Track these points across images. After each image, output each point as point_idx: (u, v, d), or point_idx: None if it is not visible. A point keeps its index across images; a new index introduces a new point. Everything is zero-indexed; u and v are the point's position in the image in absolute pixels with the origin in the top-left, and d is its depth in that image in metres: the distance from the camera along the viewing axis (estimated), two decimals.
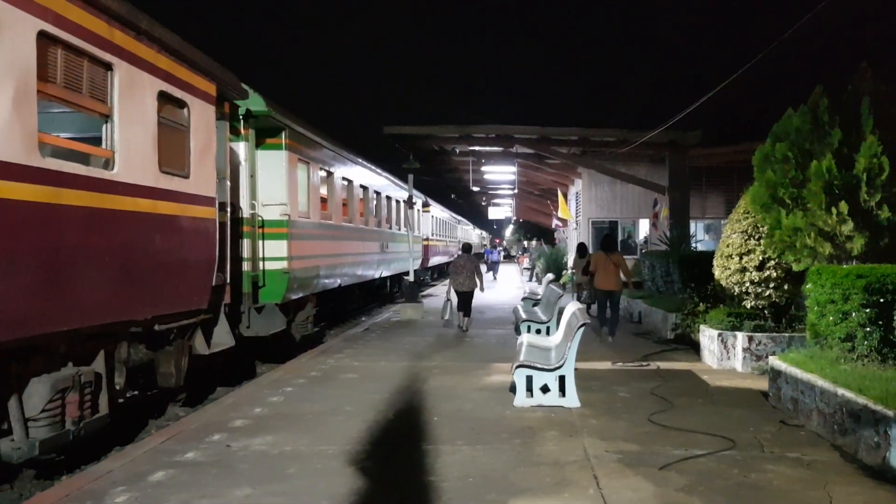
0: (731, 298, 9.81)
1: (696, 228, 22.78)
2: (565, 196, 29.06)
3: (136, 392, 8.31)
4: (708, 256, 11.19)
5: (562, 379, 7.25)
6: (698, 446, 5.81)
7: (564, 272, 26.59)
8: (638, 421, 6.66)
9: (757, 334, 9.13)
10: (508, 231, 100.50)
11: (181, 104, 7.34)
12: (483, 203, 49.28)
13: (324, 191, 13.48)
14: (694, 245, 19.03)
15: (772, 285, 9.15)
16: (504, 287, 28.40)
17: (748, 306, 9.52)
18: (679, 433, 6.23)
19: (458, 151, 22.91)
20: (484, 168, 26.51)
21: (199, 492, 4.87)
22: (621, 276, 12.12)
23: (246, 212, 10.11)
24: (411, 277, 18.33)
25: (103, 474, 5.26)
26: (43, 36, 5.13)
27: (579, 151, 22.02)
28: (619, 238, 24.12)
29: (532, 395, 7.32)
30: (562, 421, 6.71)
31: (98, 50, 5.80)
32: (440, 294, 18.82)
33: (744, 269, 9.30)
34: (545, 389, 7.28)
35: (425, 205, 29.83)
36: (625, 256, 12.92)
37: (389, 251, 20.00)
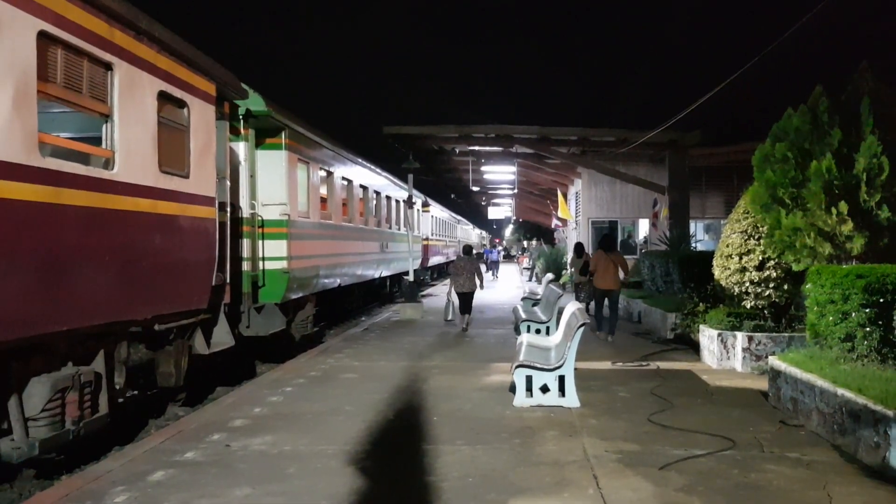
0: (731, 298, 9.82)
1: (696, 228, 22.78)
2: (565, 196, 29.06)
3: (135, 392, 8.30)
4: (707, 256, 11.19)
5: (561, 379, 7.26)
6: (698, 446, 5.82)
7: (564, 272, 26.61)
8: (638, 421, 6.67)
9: (757, 334, 9.13)
10: (508, 231, 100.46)
11: (181, 104, 7.34)
12: (483, 203, 49.21)
13: (323, 190, 13.49)
14: (693, 245, 19.03)
15: (771, 285, 9.16)
16: (504, 287, 28.42)
17: (748, 306, 9.52)
18: (679, 433, 6.23)
19: (457, 151, 22.88)
20: (483, 168, 26.50)
21: (199, 492, 4.87)
22: (620, 274, 12.16)
23: (246, 212, 10.12)
24: (411, 277, 18.35)
25: (103, 474, 5.27)
26: (43, 36, 5.13)
27: (579, 151, 22.01)
28: (619, 238, 24.14)
29: (532, 395, 7.33)
30: (561, 421, 6.71)
31: (98, 50, 5.80)
32: (440, 294, 18.85)
33: (743, 269, 9.31)
34: (545, 389, 7.28)
35: (425, 204, 29.83)
36: (625, 256, 12.96)
37: (389, 251, 20.01)
